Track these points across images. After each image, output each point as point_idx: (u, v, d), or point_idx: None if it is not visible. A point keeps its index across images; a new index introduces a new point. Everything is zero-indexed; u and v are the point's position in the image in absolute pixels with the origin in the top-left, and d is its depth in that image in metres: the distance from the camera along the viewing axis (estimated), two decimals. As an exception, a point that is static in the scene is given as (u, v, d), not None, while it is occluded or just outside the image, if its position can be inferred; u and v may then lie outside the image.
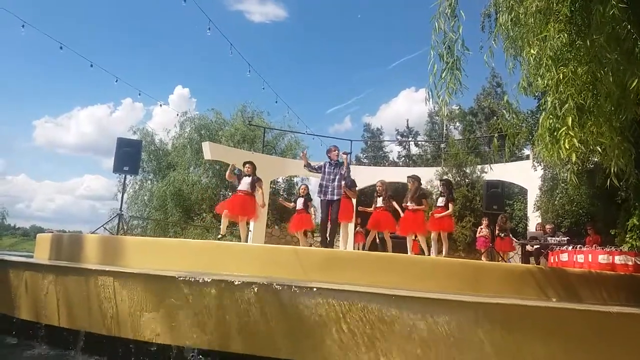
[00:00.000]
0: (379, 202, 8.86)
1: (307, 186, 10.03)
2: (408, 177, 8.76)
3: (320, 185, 7.65)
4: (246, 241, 8.96)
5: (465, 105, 25.88)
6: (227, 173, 8.39)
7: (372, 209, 8.99)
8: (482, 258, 11.37)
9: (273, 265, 5.85)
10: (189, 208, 23.88)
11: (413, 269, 5.91)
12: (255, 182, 8.28)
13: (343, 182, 7.67)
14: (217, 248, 6.30)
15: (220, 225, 8.36)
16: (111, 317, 4.96)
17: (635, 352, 4.09)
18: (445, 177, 15.68)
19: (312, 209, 9.68)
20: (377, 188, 9.02)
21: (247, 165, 8.47)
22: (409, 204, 8.47)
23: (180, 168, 24.41)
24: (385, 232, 9.14)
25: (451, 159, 16.26)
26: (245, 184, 8.24)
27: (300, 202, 9.49)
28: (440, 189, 9.11)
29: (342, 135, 70.31)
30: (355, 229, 15.48)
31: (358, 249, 13.88)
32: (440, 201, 8.83)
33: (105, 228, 10.53)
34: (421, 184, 8.82)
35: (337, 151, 7.74)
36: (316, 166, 7.90)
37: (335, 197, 7.53)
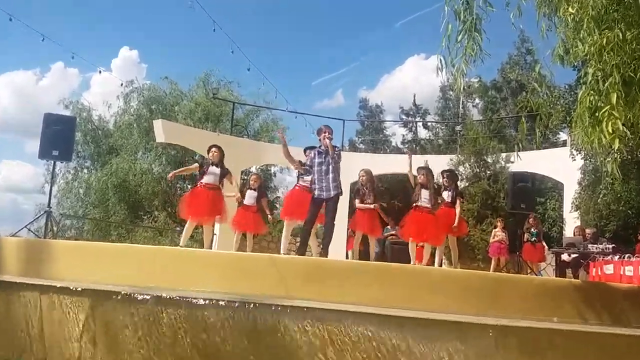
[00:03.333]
0: (365, 196, 8.98)
1: (259, 176, 10.21)
2: (419, 168, 8.83)
3: (313, 182, 7.69)
4: (210, 247, 8.96)
5: (487, 77, 26.03)
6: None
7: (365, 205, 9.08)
8: (503, 269, 11.52)
9: (245, 277, 5.86)
10: (136, 204, 23.77)
11: (418, 282, 5.97)
12: (225, 175, 8.28)
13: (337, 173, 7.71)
14: (174, 256, 6.29)
15: (180, 228, 8.35)
16: (37, 340, 4.95)
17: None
18: (462, 167, 15.79)
19: (267, 207, 9.94)
20: (362, 179, 9.07)
21: (213, 149, 8.43)
22: (423, 203, 8.51)
23: (126, 153, 24.27)
24: (371, 236, 9.22)
25: (469, 144, 16.38)
26: (213, 175, 8.20)
27: (250, 196, 9.75)
28: (444, 182, 9.20)
29: (333, 112, 70.30)
30: (347, 232, 15.57)
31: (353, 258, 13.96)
32: (446, 196, 8.93)
33: (29, 229, 10.45)
34: (433, 177, 8.91)
35: (326, 132, 7.74)
36: (308, 162, 7.95)
37: (332, 194, 7.57)
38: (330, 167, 7.63)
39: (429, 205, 8.43)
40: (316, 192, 7.61)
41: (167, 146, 22.41)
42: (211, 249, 9.06)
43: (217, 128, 22.50)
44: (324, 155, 7.68)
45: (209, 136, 16.58)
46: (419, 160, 14.83)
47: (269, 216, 9.97)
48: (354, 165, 16.49)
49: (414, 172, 8.85)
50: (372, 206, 8.87)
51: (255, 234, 10.22)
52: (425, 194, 8.52)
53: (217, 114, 24.51)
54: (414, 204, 8.52)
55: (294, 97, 60.53)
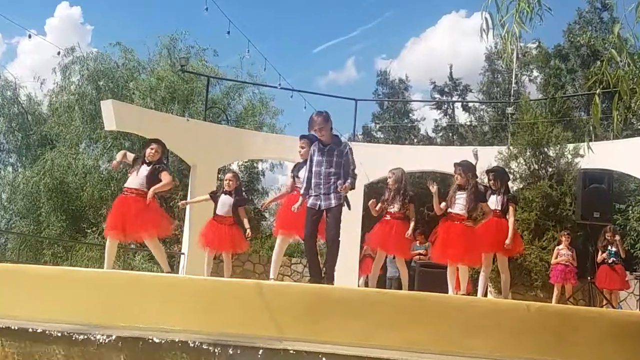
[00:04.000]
0: (390, 203, 9.03)
1: (236, 176, 10.14)
2: (455, 164, 8.85)
3: (308, 185, 7.65)
4: (169, 269, 8.96)
5: (549, 41, 26.09)
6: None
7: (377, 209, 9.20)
8: (570, 300, 11.49)
9: (222, 311, 5.85)
10: (78, 214, 23.81)
11: (457, 318, 5.95)
12: (160, 172, 8.30)
13: (347, 179, 7.65)
14: (128, 282, 6.29)
15: (136, 246, 8.41)
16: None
17: None
18: (514, 163, 15.77)
19: (245, 219, 9.83)
20: (388, 181, 9.17)
21: (154, 146, 8.49)
22: (456, 210, 8.56)
23: (64, 145, 24.32)
24: (399, 257, 9.26)
25: (524, 132, 16.33)
26: (141, 177, 8.31)
27: (224, 203, 9.77)
28: (490, 184, 9.20)
29: (341, 90, 70.35)
30: (361, 252, 15.59)
31: (365, 284, 14.00)
32: (493, 203, 8.93)
33: None
34: (477, 177, 8.92)
35: (323, 124, 7.61)
36: (300, 168, 7.96)
37: (333, 203, 7.55)
38: (333, 168, 7.61)
39: (463, 213, 8.46)
40: (311, 200, 7.61)
41: (120, 136, 22.45)
42: (170, 271, 9.03)
43: (186, 111, 22.55)
44: (325, 153, 7.66)
45: (175, 122, 16.62)
46: (455, 153, 14.80)
47: (247, 230, 9.79)
48: (369, 161, 16.52)
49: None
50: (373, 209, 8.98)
51: (234, 253, 10.21)
52: (461, 198, 8.54)
53: (187, 93, 24.58)
54: (448, 211, 8.57)
55: (289, 69, 60.35)
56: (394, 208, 8.98)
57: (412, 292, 7.97)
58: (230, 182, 9.84)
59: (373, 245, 9.49)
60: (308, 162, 7.78)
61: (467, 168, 8.71)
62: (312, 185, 7.63)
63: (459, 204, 8.52)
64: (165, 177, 8.25)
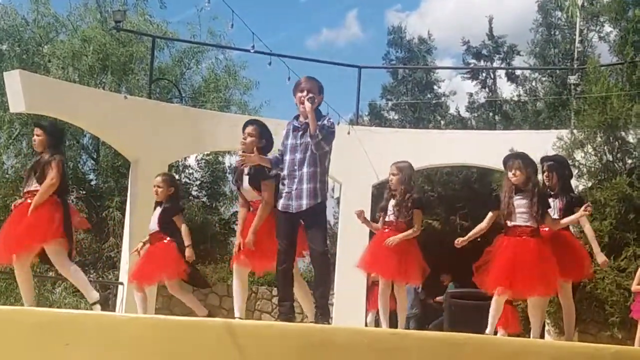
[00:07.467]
0: (390, 210, 9.25)
1: (167, 180, 10.07)
2: (511, 157, 8.86)
3: (281, 181, 7.71)
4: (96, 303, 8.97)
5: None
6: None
7: (378, 224, 9.47)
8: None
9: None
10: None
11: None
12: (46, 164, 8.56)
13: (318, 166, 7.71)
14: (43, 322, 6.30)
15: (55, 273, 8.45)
16: None
17: None
18: (579, 152, 15.77)
19: (185, 233, 9.68)
20: (390, 178, 9.41)
21: (37, 132, 8.90)
22: (520, 222, 8.60)
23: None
24: (399, 282, 9.48)
25: (593, 110, 16.36)
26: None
27: (154, 218, 9.81)
28: (545, 178, 9.24)
29: (340, 54, 70.35)
30: (369, 279, 15.62)
31: (376, 323, 14.06)
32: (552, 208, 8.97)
33: None
34: (536, 173, 8.97)
35: (312, 90, 7.69)
36: (277, 155, 8.03)
37: (304, 203, 7.61)
38: (309, 155, 7.60)
39: (532, 224, 8.47)
40: (282, 201, 7.69)
41: (31, 120, 22.37)
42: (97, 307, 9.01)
43: (123, 85, 22.48)
44: (300, 133, 7.67)
45: (108, 100, 16.55)
46: (495, 140, 14.77)
47: (187, 250, 9.46)
48: (379, 151, 16.47)
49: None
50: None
51: (170, 281, 9.93)
52: (523, 203, 8.53)
53: (124, 60, 24.44)
54: (506, 224, 8.57)
55: (266, 25, 60.46)
56: (398, 216, 9.06)
57: (445, 333, 8.01)
58: (159, 190, 9.74)
59: (369, 269, 9.55)
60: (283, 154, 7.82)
61: (526, 161, 8.67)
62: (286, 180, 7.69)
63: (522, 212, 8.52)
64: (52, 174, 8.56)
